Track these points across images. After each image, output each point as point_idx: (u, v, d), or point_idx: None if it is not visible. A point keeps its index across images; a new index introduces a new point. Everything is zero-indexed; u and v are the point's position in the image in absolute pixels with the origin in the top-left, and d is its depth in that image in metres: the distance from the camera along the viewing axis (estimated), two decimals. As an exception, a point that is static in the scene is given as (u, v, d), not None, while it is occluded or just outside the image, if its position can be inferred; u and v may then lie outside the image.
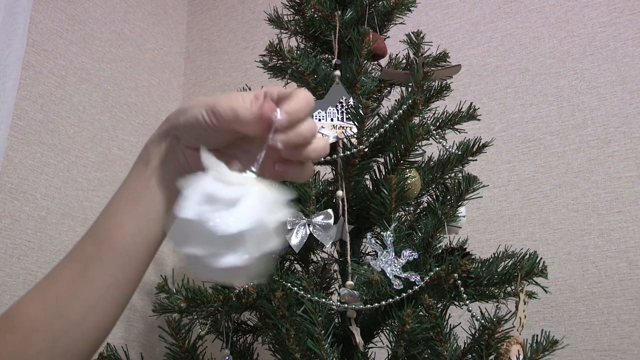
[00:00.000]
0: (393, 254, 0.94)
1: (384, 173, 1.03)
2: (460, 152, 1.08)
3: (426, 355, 0.94)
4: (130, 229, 0.50)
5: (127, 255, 0.50)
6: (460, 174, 1.08)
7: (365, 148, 0.99)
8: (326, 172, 1.18)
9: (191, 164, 0.50)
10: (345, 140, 1.00)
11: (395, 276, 0.92)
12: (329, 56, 1.22)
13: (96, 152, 1.74)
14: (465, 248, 1.06)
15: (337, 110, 1.05)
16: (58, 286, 0.49)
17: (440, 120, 1.16)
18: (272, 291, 0.89)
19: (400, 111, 0.98)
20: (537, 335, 0.95)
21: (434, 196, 1.11)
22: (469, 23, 1.79)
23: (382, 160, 1.04)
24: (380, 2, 1.22)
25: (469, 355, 0.93)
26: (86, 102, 1.75)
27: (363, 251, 1.13)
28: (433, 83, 1.17)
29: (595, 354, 1.37)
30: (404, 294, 0.91)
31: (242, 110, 0.45)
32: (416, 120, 1.06)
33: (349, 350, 0.95)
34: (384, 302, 0.91)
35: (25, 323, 0.48)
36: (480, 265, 1.00)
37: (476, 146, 1.08)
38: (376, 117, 1.07)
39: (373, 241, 0.97)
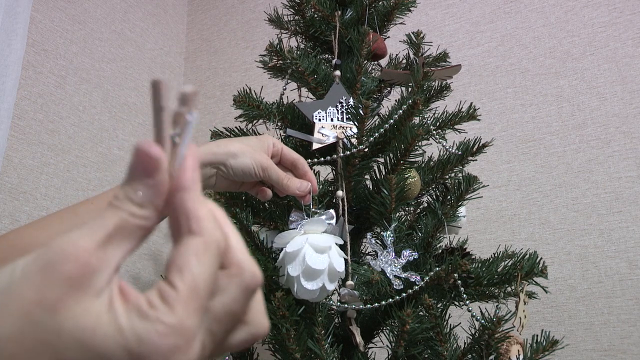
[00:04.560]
0: (393, 254, 0.94)
1: (384, 173, 1.03)
2: (460, 152, 1.08)
3: (426, 355, 0.94)
4: None
5: None
6: (460, 174, 1.08)
7: (365, 148, 0.99)
8: (327, 172, 1.18)
9: (217, 184, 0.66)
10: (345, 140, 1.00)
11: (395, 276, 0.92)
12: (329, 56, 1.21)
13: (96, 152, 1.74)
14: (465, 248, 1.05)
15: (337, 110, 1.05)
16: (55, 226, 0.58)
17: (440, 120, 1.16)
18: (272, 291, 0.88)
19: (400, 111, 0.98)
20: (537, 335, 0.95)
21: (434, 196, 1.11)
22: (469, 23, 1.79)
23: (382, 160, 1.04)
24: (380, 2, 1.22)
25: (469, 355, 0.93)
26: (86, 102, 1.75)
27: (363, 251, 1.13)
28: (433, 83, 1.17)
29: (595, 354, 1.37)
30: (404, 294, 0.91)
31: (292, 188, 0.67)
32: (416, 120, 1.06)
33: (349, 350, 0.95)
34: (384, 302, 0.91)
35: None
36: (480, 265, 1.00)
37: (476, 146, 1.07)
38: (376, 117, 1.07)
39: (373, 241, 0.97)
